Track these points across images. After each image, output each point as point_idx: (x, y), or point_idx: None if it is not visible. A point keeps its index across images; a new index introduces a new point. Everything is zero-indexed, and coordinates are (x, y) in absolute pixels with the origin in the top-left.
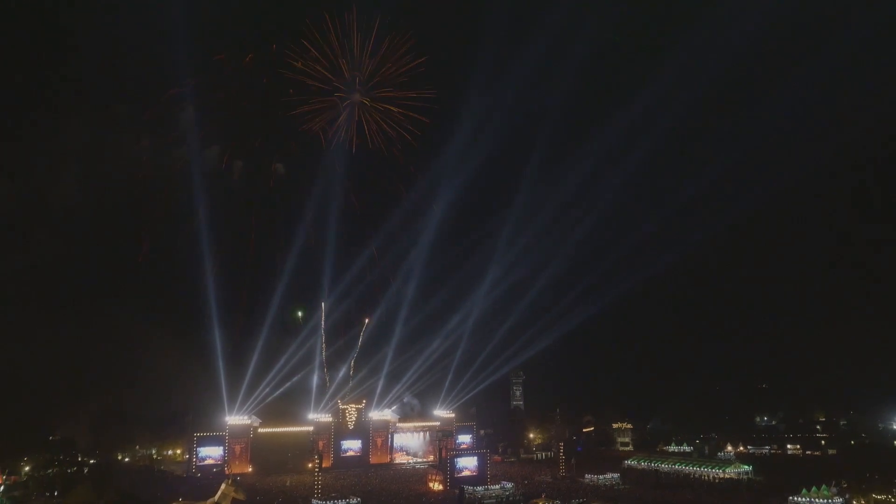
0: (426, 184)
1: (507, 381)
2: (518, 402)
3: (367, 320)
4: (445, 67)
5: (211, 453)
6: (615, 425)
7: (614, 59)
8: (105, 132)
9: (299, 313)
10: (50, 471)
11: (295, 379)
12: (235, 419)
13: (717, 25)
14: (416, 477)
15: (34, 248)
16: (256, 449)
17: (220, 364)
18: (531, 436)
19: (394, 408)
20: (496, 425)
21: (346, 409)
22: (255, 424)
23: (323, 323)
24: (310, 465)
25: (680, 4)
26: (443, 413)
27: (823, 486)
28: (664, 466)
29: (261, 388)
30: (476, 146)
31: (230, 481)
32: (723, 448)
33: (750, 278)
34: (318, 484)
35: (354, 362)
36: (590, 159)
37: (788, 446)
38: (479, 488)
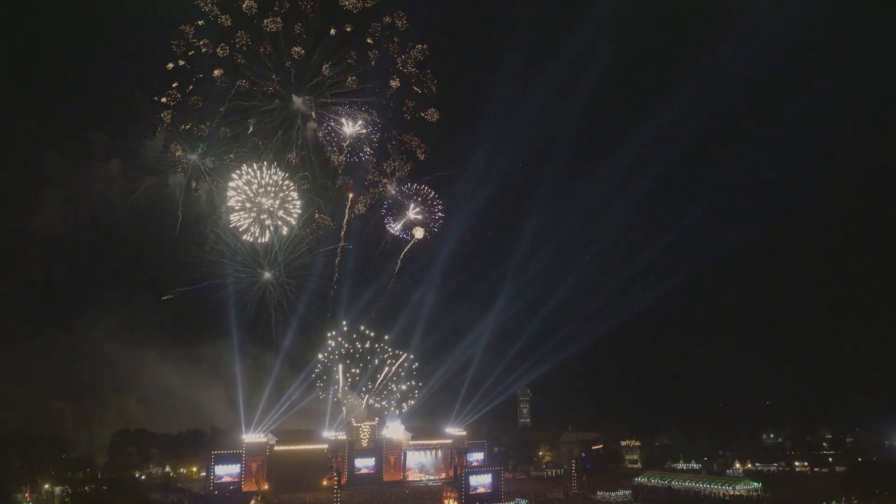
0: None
1: (515, 398)
2: (525, 420)
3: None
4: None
5: (228, 471)
6: (623, 443)
7: (616, 97)
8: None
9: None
10: (86, 487)
11: (310, 398)
12: (252, 437)
13: (719, 63)
14: (430, 494)
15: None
16: (272, 467)
17: (239, 383)
18: (540, 453)
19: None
20: (506, 442)
21: (360, 427)
22: (272, 442)
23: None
24: (325, 483)
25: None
26: (455, 430)
27: (834, 502)
28: (676, 483)
29: (277, 406)
30: (485, 174)
31: (259, 498)
32: (731, 465)
33: (756, 297)
34: (336, 502)
35: (367, 383)
36: (598, 186)
37: (796, 463)
38: None
